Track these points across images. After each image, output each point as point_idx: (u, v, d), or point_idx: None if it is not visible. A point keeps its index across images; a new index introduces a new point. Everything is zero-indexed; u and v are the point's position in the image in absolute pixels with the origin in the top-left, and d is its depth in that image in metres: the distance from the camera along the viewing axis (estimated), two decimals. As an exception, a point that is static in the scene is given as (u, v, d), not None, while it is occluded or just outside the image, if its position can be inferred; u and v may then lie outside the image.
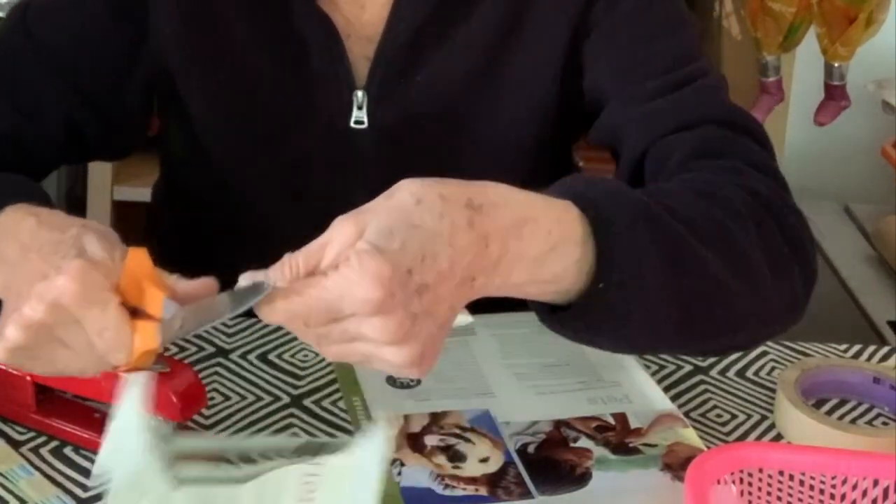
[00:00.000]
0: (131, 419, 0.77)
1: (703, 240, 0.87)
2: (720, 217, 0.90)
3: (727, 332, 0.92)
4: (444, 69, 1.09)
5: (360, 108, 1.09)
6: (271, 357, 1.05)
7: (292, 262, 0.76)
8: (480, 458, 0.92)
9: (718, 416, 1.01)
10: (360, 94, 1.09)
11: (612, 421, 0.97)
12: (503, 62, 1.10)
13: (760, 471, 0.83)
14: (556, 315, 0.84)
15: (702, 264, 0.87)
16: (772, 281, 0.91)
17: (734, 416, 1.01)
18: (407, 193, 0.77)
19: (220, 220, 1.17)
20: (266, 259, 1.16)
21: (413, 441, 0.93)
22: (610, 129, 1.08)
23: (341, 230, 0.76)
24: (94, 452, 0.90)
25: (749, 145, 1.03)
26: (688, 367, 1.07)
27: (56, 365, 0.79)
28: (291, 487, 0.76)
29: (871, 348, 1.12)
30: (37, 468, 0.90)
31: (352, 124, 1.09)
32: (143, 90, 1.12)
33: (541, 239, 0.80)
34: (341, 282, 0.74)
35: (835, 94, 2.07)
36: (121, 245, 0.81)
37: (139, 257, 0.79)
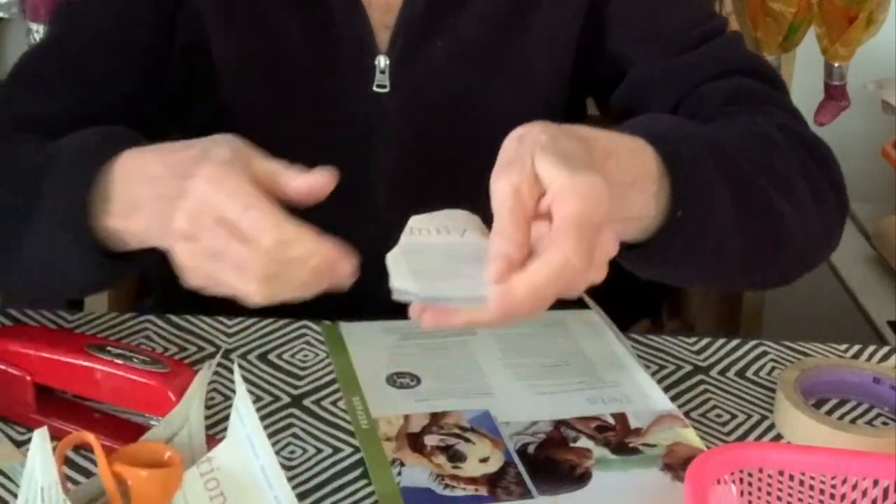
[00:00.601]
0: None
1: (759, 169, 0.94)
2: (768, 149, 0.98)
3: (781, 259, 0.99)
4: (463, 35, 1.12)
5: (382, 72, 1.12)
6: (271, 357, 1.05)
7: (511, 240, 0.76)
8: (480, 458, 0.92)
9: (718, 416, 1.01)
10: (382, 59, 1.12)
11: (612, 421, 0.97)
12: (521, 28, 1.13)
13: (760, 471, 0.83)
14: (633, 252, 0.88)
15: (761, 192, 0.93)
16: (815, 209, 0.99)
17: (734, 416, 1.01)
18: (538, 131, 0.80)
19: None
20: None
21: (413, 441, 0.93)
22: (636, 88, 1.14)
23: (518, 162, 0.78)
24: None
25: (771, 91, 1.11)
26: (688, 367, 1.07)
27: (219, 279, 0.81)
28: (199, 492, 0.77)
29: (871, 348, 1.12)
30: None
31: (375, 88, 1.12)
32: (182, 60, 1.14)
33: (624, 171, 0.83)
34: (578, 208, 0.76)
35: (835, 94, 2.07)
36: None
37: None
